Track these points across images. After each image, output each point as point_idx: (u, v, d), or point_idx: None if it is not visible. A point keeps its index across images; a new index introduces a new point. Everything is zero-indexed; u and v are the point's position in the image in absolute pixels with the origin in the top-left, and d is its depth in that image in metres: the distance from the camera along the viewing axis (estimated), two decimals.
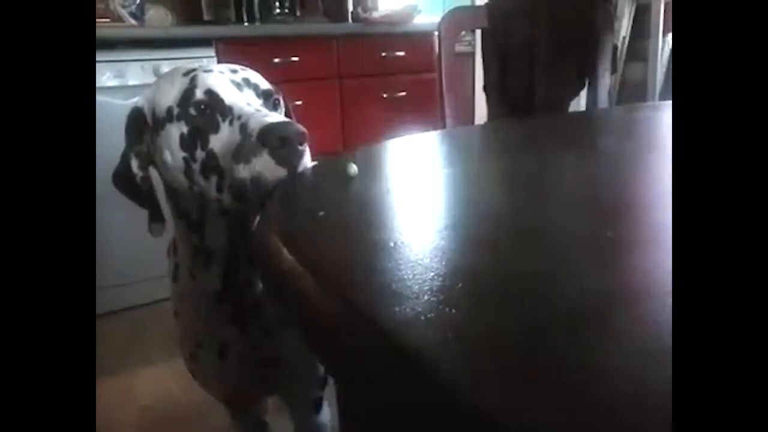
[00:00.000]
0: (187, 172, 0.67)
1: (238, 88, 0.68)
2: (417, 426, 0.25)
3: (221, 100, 0.66)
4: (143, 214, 0.76)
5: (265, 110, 0.66)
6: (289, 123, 0.61)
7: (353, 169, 0.55)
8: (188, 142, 0.66)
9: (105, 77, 1.96)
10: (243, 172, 0.61)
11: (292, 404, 0.95)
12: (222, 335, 0.79)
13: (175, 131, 0.67)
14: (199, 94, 0.66)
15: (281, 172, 0.60)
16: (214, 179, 0.65)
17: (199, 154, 0.66)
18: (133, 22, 2.20)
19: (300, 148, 0.61)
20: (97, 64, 1.93)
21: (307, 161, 0.63)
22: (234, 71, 0.70)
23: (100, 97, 1.93)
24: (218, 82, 0.67)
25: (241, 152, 0.62)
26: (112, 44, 1.98)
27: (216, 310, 0.77)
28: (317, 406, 0.92)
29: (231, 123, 0.64)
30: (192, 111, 0.66)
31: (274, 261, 0.37)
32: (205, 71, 0.68)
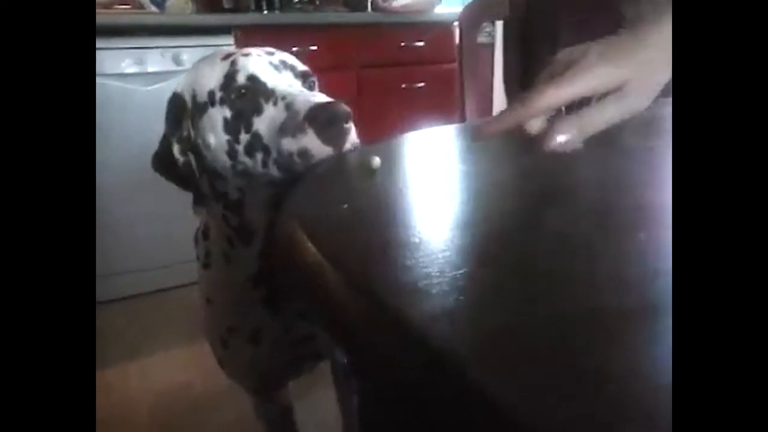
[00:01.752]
0: (231, 153, 0.69)
1: (276, 70, 0.69)
2: (440, 422, 0.25)
3: (263, 84, 0.67)
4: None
5: (306, 91, 0.68)
6: (336, 103, 0.62)
7: (376, 161, 0.55)
8: (232, 126, 0.68)
9: (125, 64, 1.97)
10: (290, 145, 0.63)
11: (333, 374, 0.98)
12: (254, 321, 0.79)
13: (218, 115, 0.68)
14: (241, 79, 0.67)
15: (327, 150, 0.62)
16: (259, 156, 0.67)
17: (243, 136, 0.67)
18: (153, 9, 2.21)
19: (345, 126, 0.63)
20: (117, 51, 1.95)
21: (353, 138, 0.65)
22: (270, 53, 0.71)
23: (119, 84, 1.94)
24: (259, 66, 0.68)
25: (287, 129, 0.63)
26: (133, 31, 1.99)
27: (249, 294, 0.77)
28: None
29: (275, 103, 0.66)
30: (234, 96, 0.67)
31: (297, 253, 0.37)
32: (244, 55, 0.69)
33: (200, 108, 0.69)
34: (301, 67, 0.73)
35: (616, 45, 0.45)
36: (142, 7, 2.19)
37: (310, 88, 0.73)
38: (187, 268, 0.84)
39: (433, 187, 0.52)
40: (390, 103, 2.52)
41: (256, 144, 0.66)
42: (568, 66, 0.44)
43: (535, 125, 0.48)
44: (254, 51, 0.71)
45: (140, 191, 1.89)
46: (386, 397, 0.31)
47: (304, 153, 0.62)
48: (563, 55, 0.46)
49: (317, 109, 0.61)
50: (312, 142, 0.61)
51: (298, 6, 2.54)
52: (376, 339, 0.29)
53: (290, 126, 0.63)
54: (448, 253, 0.34)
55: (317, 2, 2.60)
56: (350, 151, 0.65)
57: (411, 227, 0.40)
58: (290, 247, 0.39)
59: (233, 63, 0.68)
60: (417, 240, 0.37)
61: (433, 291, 0.30)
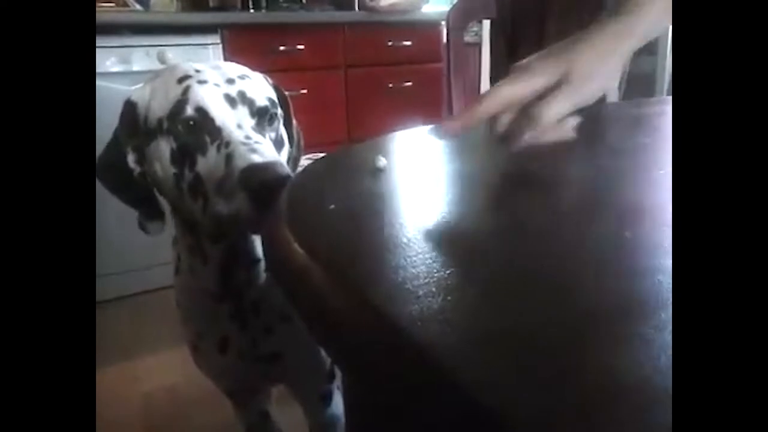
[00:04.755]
0: (178, 186, 0.65)
1: (231, 104, 0.65)
2: (428, 423, 0.25)
3: (211, 120, 0.63)
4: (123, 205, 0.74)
5: (255, 136, 0.63)
6: (272, 165, 0.58)
7: (382, 162, 0.54)
8: (178, 159, 0.64)
9: (109, 62, 1.95)
10: (222, 207, 0.59)
11: (300, 398, 0.95)
12: (221, 331, 0.79)
13: (165, 146, 0.65)
14: (189, 110, 0.63)
15: (259, 214, 0.57)
16: (200, 202, 0.63)
17: (188, 174, 0.64)
18: (138, 7, 2.19)
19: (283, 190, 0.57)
20: (102, 50, 1.92)
21: None
22: (230, 81, 0.67)
23: (103, 83, 1.92)
24: (211, 98, 0.64)
25: (222, 187, 0.60)
26: (117, 29, 1.97)
27: (215, 307, 0.77)
28: (326, 399, 0.92)
29: (218, 149, 0.62)
30: (181, 128, 0.63)
31: (284, 256, 0.37)
32: (200, 81, 0.65)
33: (151, 133, 0.66)
34: (262, 100, 0.67)
35: (563, 44, 0.50)
36: (126, 5, 2.17)
37: (270, 122, 0.68)
38: (172, 269, 0.84)
39: (421, 186, 0.52)
40: (377, 102, 2.52)
41: (197, 187, 0.63)
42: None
43: (502, 124, 0.52)
44: (214, 77, 0.66)
45: None
46: (373, 398, 0.31)
47: (235, 218, 0.59)
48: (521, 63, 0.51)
49: (250, 171, 0.57)
50: (244, 206, 0.57)
51: (285, 5, 2.52)
52: (362, 340, 0.29)
53: (226, 186, 0.59)
54: (436, 254, 0.34)
55: (304, 1, 2.59)
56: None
57: (399, 227, 0.39)
58: (276, 250, 0.38)
59: (186, 90, 0.64)
60: (405, 240, 0.36)
61: (421, 292, 0.30)
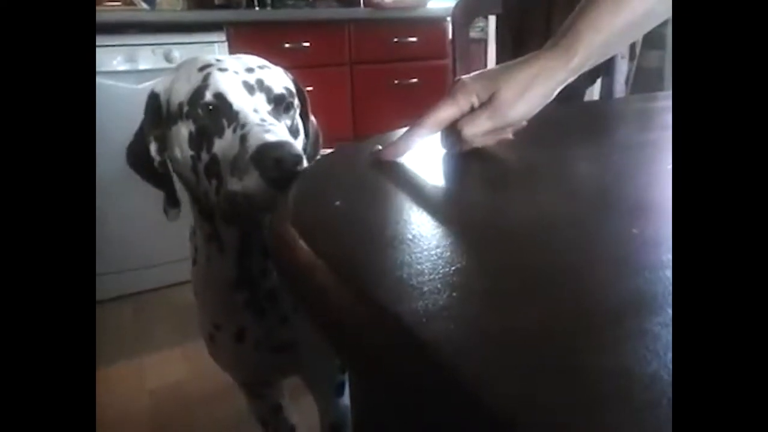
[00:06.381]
0: (195, 169, 0.68)
1: (249, 91, 0.67)
2: (435, 422, 0.25)
3: (229, 105, 0.65)
4: (150, 201, 0.77)
5: (270, 119, 0.65)
6: (285, 144, 0.59)
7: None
8: (196, 141, 0.67)
9: (116, 61, 1.96)
10: (235, 185, 0.61)
11: (313, 388, 0.96)
12: (238, 320, 0.80)
13: (185, 129, 0.67)
14: (208, 95, 0.65)
15: (272, 193, 0.58)
16: (214, 183, 0.66)
17: (204, 155, 0.66)
18: (144, 6, 2.19)
19: (297, 170, 0.59)
20: (108, 48, 1.93)
21: None
22: (250, 70, 0.69)
23: (110, 81, 1.93)
24: (230, 84, 0.66)
25: (236, 165, 0.61)
26: (123, 28, 1.97)
27: (232, 296, 0.78)
28: (339, 390, 0.93)
29: (234, 130, 0.64)
30: (200, 111, 0.66)
31: (290, 253, 0.37)
32: (220, 69, 0.67)
33: (171, 118, 0.69)
34: (279, 89, 0.70)
35: (501, 67, 0.56)
36: (132, 4, 2.18)
37: (286, 110, 0.70)
38: (175, 267, 0.85)
39: (427, 183, 0.52)
40: (383, 99, 2.52)
41: (212, 168, 0.65)
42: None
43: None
44: (233, 65, 0.68)
45: (132, 189, 1.88)
46: (379, 395, 0.31)
47: (248, 196, 0.60)
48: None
49: (264, 149, 0.58)
50: (257, 185, 0.58)
51: (290, 2, 2.52)
52: (368, 337, 0.29)
53: (238, 165, 0.60)
54: (440, 250, 0.34)
55: None
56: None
57: (404, 224, 0.39)
58: (282, 247, 0.38)
59: (206, 77, 0.66)
60: (410, 236, 0.36)
61: (426, 288, 0.29)
